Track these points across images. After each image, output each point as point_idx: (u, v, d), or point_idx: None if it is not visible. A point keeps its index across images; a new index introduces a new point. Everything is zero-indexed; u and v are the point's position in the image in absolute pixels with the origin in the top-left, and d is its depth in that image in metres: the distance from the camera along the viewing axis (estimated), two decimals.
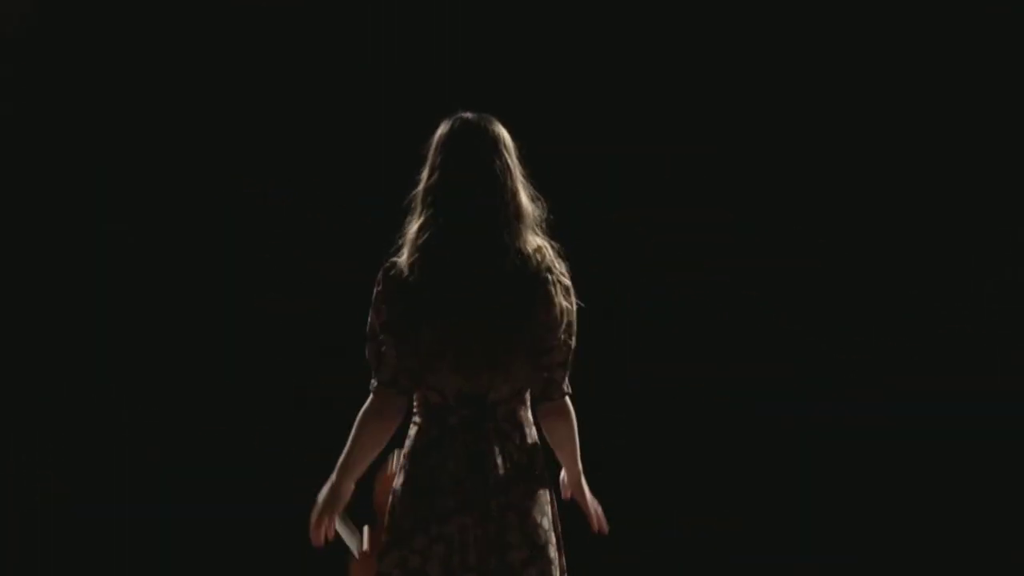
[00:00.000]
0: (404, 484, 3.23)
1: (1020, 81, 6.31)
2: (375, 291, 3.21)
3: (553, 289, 3.17)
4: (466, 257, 3.15)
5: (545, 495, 3.23)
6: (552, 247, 3.22)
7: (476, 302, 3.14)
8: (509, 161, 3.18)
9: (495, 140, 3.17)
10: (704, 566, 6.21)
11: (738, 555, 6.19)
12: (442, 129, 3.24)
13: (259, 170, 6.22)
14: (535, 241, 3.20)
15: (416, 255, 3.16)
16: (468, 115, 3.24)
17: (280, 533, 5.29)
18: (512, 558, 3.14)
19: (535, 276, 3.15)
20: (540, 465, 3.25)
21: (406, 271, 3.17)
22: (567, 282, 3.22)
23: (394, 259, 3.20)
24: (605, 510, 3.39)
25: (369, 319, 3.23)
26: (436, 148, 3.23)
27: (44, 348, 6.20)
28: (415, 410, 3.27)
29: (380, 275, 3.21)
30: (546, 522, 3.21)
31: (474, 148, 3.17)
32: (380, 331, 3.20)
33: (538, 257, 3.17)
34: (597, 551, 3.68)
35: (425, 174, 3.23)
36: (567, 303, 3.21)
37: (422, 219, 3.18)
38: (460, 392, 3.18)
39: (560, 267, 3.22)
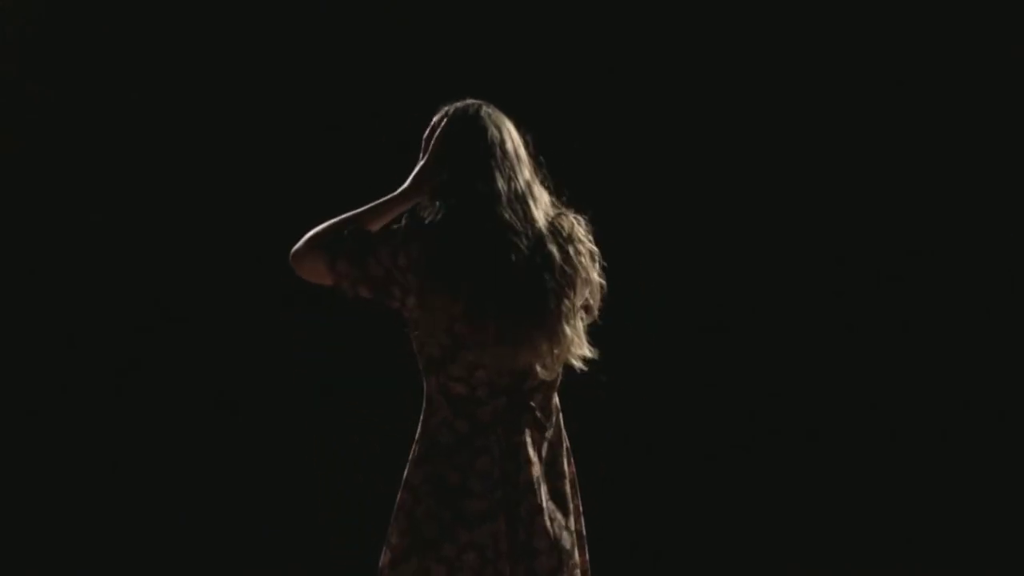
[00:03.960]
0: (425, 484, 2.97)
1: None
2: (388, 235, 2.99)
3: (590, 262, 3.03)
4: (490, 229, 2.96)
5: (569, 492, 3.05)
6: (578, 219, 3.07)
7: (517, 262, 2.94)
8: (516, 142, 3.07)
9: (499, 124, 3.07)
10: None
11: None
12: (440, 115, 3.13)
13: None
14: (557, 213, 3.05)
15: (437, 232, 2.96)
16: (468, 101, 3.12)
17: None
18: (541, 565, 2.95)
19: (569, 239, 3.00)
20: (566, 458, 3.07)
21: (436, 230, 2.95)
22: (595, 249, 3.06)
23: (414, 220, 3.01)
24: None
25: (371, 259, 2.97)
26: (439, 135, 3.09)
27: None
28: (432, 400, 3.03)
29: (405, 222, 3.00)
30: (571, 523, 3.04)
31: (478, 132, 3.05)
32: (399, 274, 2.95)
33: (566, 223, 3.03)
34: (616, 549, 3.63)
35: (429, 160, 3.11)
36: (599, 277, 3.06)
37: (433, 203, 3.02)
38: (491, 381, 2.96)
39: (590, 239, 3.07)
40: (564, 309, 2.97)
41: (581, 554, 3.08)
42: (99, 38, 6.17)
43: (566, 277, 2.99)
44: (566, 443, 3.10)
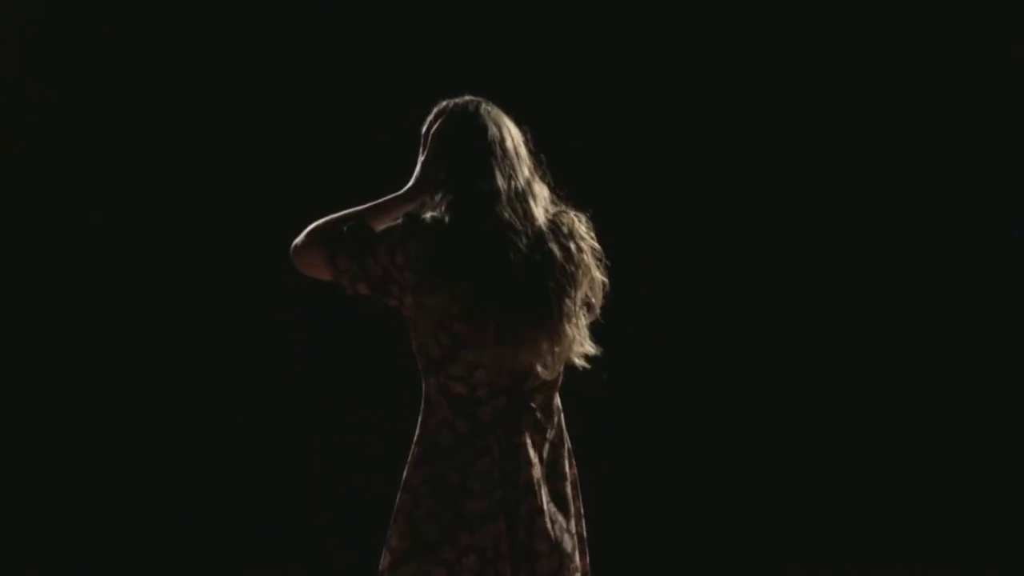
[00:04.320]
0: (424, 484, 2.91)
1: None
2: (386, 232, 2.94)
3: (591, 259, 3.01)
4: (489, 228, 2.92)
5: (570, 494, 3.01)
6: (578, 217, 3.04)
7: (516, 261, 2.90)
8: (515, 139, 3.04)
9: (498, 121, 3.04)
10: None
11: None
12: (439, 110, 3.11)
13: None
14: (557, 211, 3.03)
15: (436, 230, 2.92)
16: (467, 97, 3.10)
17: None
18: (541, 567, 2.89)
19: (569, 236, 2.97)
20: (568, 460, 3.03)
21: (434, 229, 2.91)
22: (596, 246, 3.04)
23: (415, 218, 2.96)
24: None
25: (371, 259, 2.93)
26: (438, 133, 3.06)
27: None
28: (431, 400, 2.98)
29: (403, 220, 2.96)
30: (572, 525, 2.99)
31: (477, 130, 3.02)
32: (397, 273, 2.90)
33: (566, 220, 3.00)
34: (616, 549, 3.62)
35: (427, 158, 3.08)
36: (601, 274, 3.03)
37: (433, 200, 3.00)
38: (491, 381, 2.91)
39: (591, 235, 3.04)
40: (565, 308, 2.93)
41: (582, 557, 3.03)
42: (99, 38, 6.17)
43: (567, 275, 2.95)
44: (567, 444, 3.06)
